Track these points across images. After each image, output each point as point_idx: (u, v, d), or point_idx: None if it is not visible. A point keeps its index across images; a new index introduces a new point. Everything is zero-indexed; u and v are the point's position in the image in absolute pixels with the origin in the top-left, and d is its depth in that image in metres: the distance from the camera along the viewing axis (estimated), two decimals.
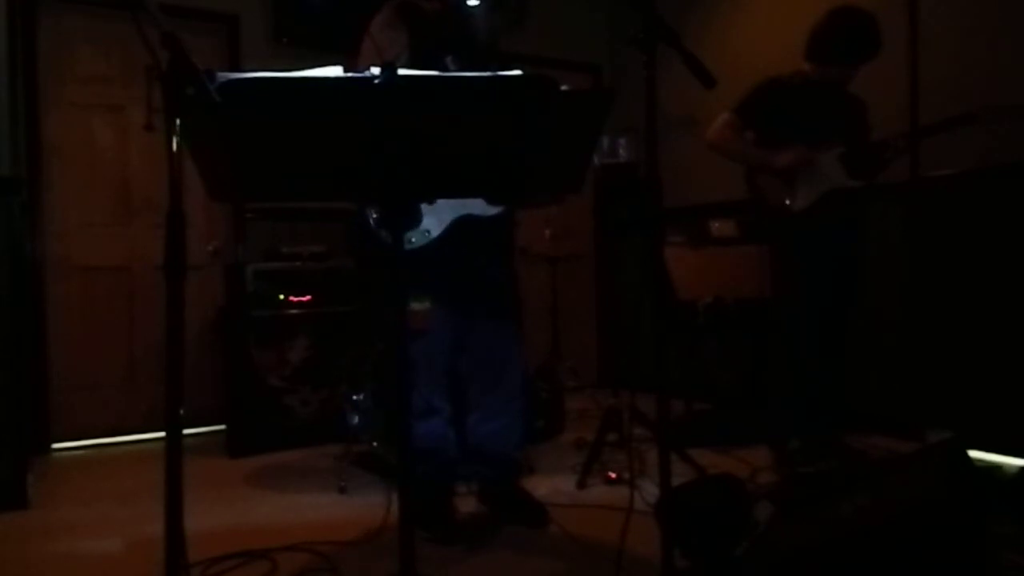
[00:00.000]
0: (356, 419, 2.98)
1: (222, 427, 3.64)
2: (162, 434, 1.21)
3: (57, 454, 3.59)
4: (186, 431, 1.70)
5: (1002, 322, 3.04)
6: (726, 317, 3.49)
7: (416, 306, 2.29)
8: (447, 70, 2.18)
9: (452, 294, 2.35)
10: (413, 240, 2.21)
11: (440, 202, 2.22)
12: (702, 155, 3.24)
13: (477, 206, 2.25)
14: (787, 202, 2.89)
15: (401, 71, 1.27)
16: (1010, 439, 2.95)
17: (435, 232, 2.22)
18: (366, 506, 2.63)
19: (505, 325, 2.49)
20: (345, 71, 1.27)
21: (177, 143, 1.20)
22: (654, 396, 1.64)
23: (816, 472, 2.71)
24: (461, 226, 2.24)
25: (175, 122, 1.19)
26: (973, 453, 2.42)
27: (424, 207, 2.22)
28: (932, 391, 3.20)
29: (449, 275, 2.31)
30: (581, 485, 2.78)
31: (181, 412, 1.23)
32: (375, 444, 2.97)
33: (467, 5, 2.22)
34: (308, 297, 3.60)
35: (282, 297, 3.55)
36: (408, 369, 2.33)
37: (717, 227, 3.70)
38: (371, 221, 2.22)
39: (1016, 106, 2.58)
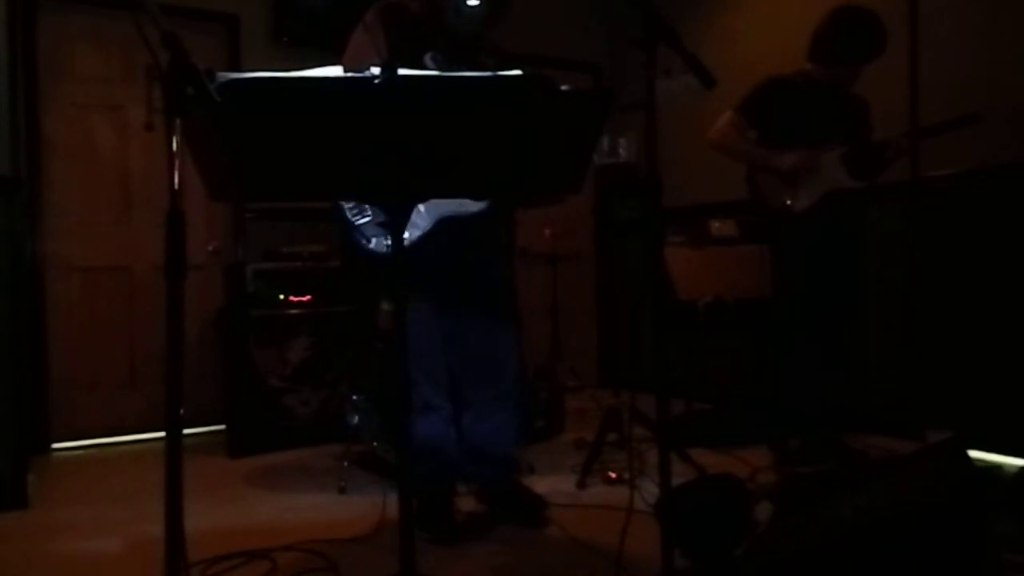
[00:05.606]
0: (356, 419, 2.98)
1: (222, 427, 3.63)
2: (162, 434, 1.21)
3: (57, 454, 3.59)
4: (186, 431, 1.70)
5: (1002, 322, 3.04)
6: (726, 317, 3.48)
7: (385, 307, 2.28)
8: (426, 68, 2.18)
9: (441, 291, 2.35)
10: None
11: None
12: (702, 155, 3.24)
13: (455, 206, 2.23)
14: (788, 202, 2.89)
15: (401, 71, 1.27)
16: (1010, 439, 2.95)
17: (423, 225, 2.21)
18: (366, 506, 2.63)
19: (497, 322, 2.47)
20: (344, 71, 1.27)
21: (177, 143, 1.20)
22: (654, 396, 1.64)
23: (816, 472, 2.71)
24: (446, 224, 2.23)
25: (175, 122, 1.19)
26: (973, 453, 2.42)
27: None
28: (932, 391, 3.20)
29: (437, 272, 2.30)
30: (581, 485, 2.78)
31: (181, 412, 1.23)
32: (375, 444, 2.97)
33: (466, 4, 2.21)
34: (308, 297, 3.60)
35: (282, 297, 3.55)
36: (404, 368, 2.33)
37: (717, 227, 3.70)
38: (348, 218, 2.20)
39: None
